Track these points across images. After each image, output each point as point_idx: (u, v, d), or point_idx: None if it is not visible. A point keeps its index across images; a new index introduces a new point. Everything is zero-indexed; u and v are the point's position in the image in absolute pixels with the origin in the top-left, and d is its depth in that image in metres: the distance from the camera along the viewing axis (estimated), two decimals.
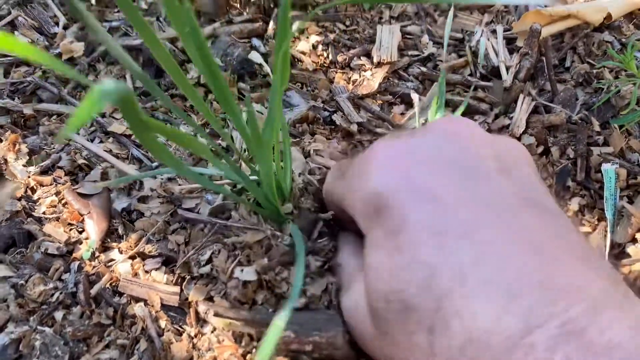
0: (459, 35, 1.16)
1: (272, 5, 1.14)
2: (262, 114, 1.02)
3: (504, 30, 1.16)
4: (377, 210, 0.53)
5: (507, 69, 1.10)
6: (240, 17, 1.14)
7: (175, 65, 0.63)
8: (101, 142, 0.99)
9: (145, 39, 0.58)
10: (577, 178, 1.00)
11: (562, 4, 1.19)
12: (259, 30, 1.12)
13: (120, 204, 0.92)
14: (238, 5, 1.16)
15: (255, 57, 1.06)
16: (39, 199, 0.91)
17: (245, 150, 0.99)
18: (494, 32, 1.15)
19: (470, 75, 1.11)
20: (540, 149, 1.03)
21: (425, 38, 1.15)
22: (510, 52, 1.13)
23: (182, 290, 0.82)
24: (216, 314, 0.77)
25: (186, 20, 0.58)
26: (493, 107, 1.07)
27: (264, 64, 1.05)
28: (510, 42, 1.15)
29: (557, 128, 1.03)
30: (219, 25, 1.12)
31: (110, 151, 0.97)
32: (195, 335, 0.78)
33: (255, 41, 1.10)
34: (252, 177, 0.86)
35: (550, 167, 1.02)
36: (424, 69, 1.10)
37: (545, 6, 1.17)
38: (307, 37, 1.12)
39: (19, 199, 0.90)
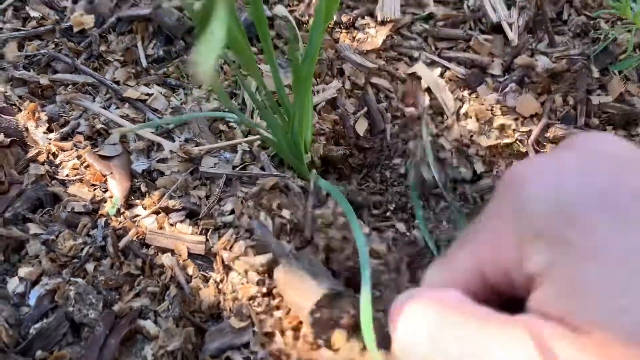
0: None
1: None
2: (268, 72, 1.04)
3: None
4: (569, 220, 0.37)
5: (510, 25, 1.13)
6: None
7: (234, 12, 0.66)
8: (117, 108, 1.02)
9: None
10: (577, 124, 1.03)
11: None
12: None
13: (140, 165, 0.95)
14: None
15: (280, 10, 1.09)
16: (61, 162, 0.94)
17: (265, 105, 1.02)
18: None
19: (471, 29, 1.14)
20: (545, 96, 1.06)
21: None
22: (508, 7, 1.16)
23: (207, 239, 0.85)
24: (237, 258, 0.80)
25: None
26: (495, 60, 1.10)
27: (288, 15, 1.08)
28: None
29: (559, 76, 1.06)
30: None
31: (127, 116, 1.00)
32: (221, 281, 0.81)
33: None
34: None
35: (552, 115, 1.05)
36: (426, 26, 1.13)
37: None
38: (311, 0, 1.14)
39: (42, 164, 0.93)
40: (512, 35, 1.11)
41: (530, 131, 1.01)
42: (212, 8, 0.47)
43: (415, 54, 1.10)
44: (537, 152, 1.02)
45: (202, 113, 0.96)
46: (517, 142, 1.00)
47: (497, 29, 1.14)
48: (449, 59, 1.11)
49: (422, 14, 1.15)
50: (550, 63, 1.06)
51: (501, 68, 1.10)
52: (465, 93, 1.07)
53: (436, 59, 1.10)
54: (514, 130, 1.01)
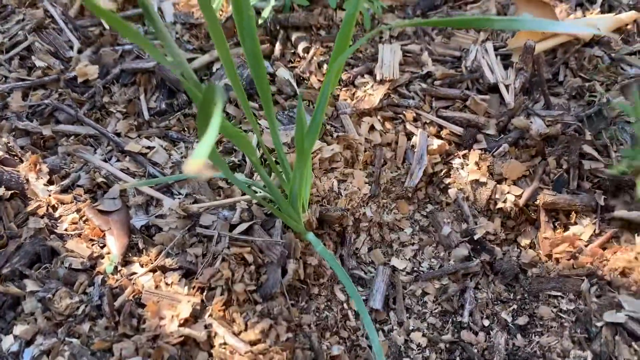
0: (457, 53, 1.22)
1: (277, 28, 1.19)
2: (267, 128, 1.06)
3: (499, 47, 1.22)
4: None
5: (507, 87, 1.15)
6: None
7: (226, 48, 0.69)
8: (118, 161, 1.03)
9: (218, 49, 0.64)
10: (570, 187, 1.05)
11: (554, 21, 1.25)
12: (266, 52, 1.17)
13: (139, 220, 0.96)
14: None
15: (283, 73, 1.12)
16: (61, 216, 0.95)
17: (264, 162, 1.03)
18: (488, 49, 1.20)
19: (468, 89, 1.16)
20: (538, 159, 1.09)
21: (425, 55, 1.20)
22: (505, 67, 1.19)
23: (202, 300, 0.86)
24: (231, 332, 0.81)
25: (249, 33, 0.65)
26: (490, 120, 1.12)
27: (291, 80, 1.11)
28: (505, 58, 1.21)
29: (553, 139, 1.08)
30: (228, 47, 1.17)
31: (127, 169, 1.02)
32: (215, 345, 0.82)
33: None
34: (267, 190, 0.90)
35: (546, 177, 1.07)
36: (424, 85, 1.15)
37: None
38: (313, 57, 1.17)
39: (42, 217, 0.94)
40: (508, 97, 1.13)
41: (520, 195, 1.03)
42: (211, 102, 0.49)
43: (411, 113, 1.12)
44: (527, 216, 1.04)
45: (200, 174, 0.97)
46: (507, 205, 1.02)
47: (493, 89, 1.16)
48: (446, 118, 1.13)
49: (421, 73, 1.17)
50: (545, 127, 1.08)
51: (496, 128, 1.12)
52: (460, 152, 1.09)
53: (433, 118, 1.12)
54: (501, 193, 1.02)
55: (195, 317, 0.84)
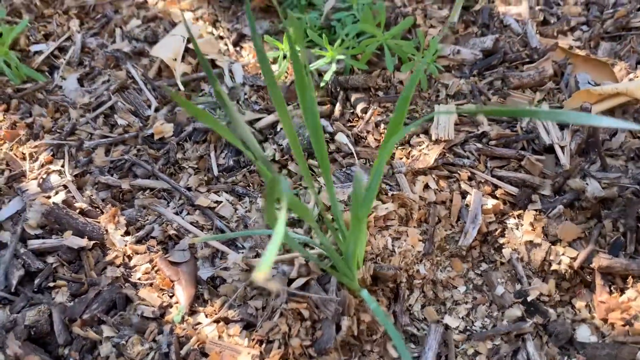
0: None
1: (338, 89, 1.26)
2: (322, 185, 1.12)
3: (555, 108, 1.24)
4: None
5: (562, 148, 1.17)
6: None
7: (285, 109, 0.76)
8: (188, 214, 1.12)
9: (279, 111, 0.71)
10: (627, 251, 1.05)
11: (612, 82, 1.26)
12: (327, 112, 1.24)
13: (205, 272, 1.03)
14: None
15: (341, 138, 1.18)
16: (135, 266, 1.03)
17: (321, 219, 1.09)
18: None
19: (523, 149, 1.19)
20: (594, 221, 1.09)
21: (481, 115, 1.24)
22: (561, 128, 1.20)
23: (261, 352, 0.91)
24: None
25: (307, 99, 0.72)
26: (545, 181, 1.13)
27: (350, 146, 1.17)
28: None
29: (610, 202, 1.08)
30: (291, 108, 1.24)
31: (196, 222, 1.10)
32: None
33: (323, 121, 1.22)
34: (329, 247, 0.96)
35: (602, 240, 1.07)
36: (479, 145, 1.19)
37: (594, 84, 1.24)
38: (370, 117, 1.23)
39: (118, 266, 1.03)
40: (563, 158, 1.14)
41: (575, 257, 1.04)
42: (274, 194, 0.55)
43: (466, 172, 1.15)
44: (582, 279, 1.04)
45: (263, 231, 1.04)
46: (562, 267, 1.03)
47: (549, 150, 1.18)
48: (501, 178, 1.15)
49: (476, 132, 1.21)
50: (600, 190, 1.08)
51: (552, 189, 1.13)
52: (515, 212, 1.11)
53: (488, 177, 1.15)
54: (556, 254, 1.03)
55: None
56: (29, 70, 1.27)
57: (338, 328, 0.95)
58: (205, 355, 0.91)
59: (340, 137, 1.16)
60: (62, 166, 1.16)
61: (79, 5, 1.47)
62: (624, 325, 0.99)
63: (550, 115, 0.54)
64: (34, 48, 1.36)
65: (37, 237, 1.04)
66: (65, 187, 1.12)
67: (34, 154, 1.17)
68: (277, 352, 0.90)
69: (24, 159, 1.17)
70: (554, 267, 1.06)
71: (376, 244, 1.04)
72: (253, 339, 0.92)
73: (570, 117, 0.53)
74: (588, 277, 1.05)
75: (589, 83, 1.26)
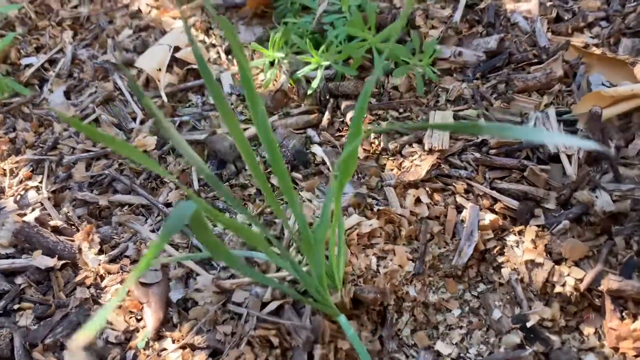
0: (517, 119, 1.15)
1: (327, 97, 1.19)
2: (310, 201, 1.05)
3: (563, 113, 1.13)
4: None
5: (569, 157, 1.06)
6: (297, 110, 1.20)
7: (248, 148, 0.69)
8: None
9: (228, 126, 0.66)
10: None
11: (630, 82, 1.14)
12: (314, 121, 1.17)
13: (176, 294, 0.97)
14: (296, 98, 1.22)
15: (317, 150, 1.11)
16: (106, 287, 0.99)
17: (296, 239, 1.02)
18: (550, 115, 1.12)
19: (527, 159, 1.08)
20: (604, 238, 0.98)
21: (482, 122, 1.14)
22: (571, 135, 1.09)
23: None
24: None
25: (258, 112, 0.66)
26: (550, 193, 1.03)
27: (325, 158, 1.10)
28: (570, 124, 1.12)
29: (622, 217, 0.98)
30: (276, 118, 1.18)
31: (172, 241, 1.04)
32: None
33: (310, 131, 1.15)
34: (304, 268, 0.89)
35: (613, 259, 0.96)
36: (478, 154, 1.09)
37: (609, 85, 1.13)
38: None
39: (89, 287, 0.98)
40: (570, 168, 1.04)
41: (582, 278, 0.93)
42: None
43: (462, 184, 1.06)
44: (591, 302, 0.93)
45: (239, 252, 0.98)
46: (567, 290, 0.92)
47: (555, 159, 1.07)
48: (501, 190, 1.06)
49: (475, 141, 1.12)
50: (611, 203, 0.97)
51: (557, 202, 1.03)
52: (515, 228, 1.01)
53: (486, 190, 1.06)
54: (560, 275, 0.93)
55: None
56: (14, 84, 1.25)
57: (311, 357, 0.88)
58: None
59: (317, 150, 1.09)
60: (41, 182, 1.13)
61: (73, 16, 1.45)
62: (636, 356, 0.89)
63: (495, 130, 0.46)
64: (24, 61, 1.34)
65: (7, 256, 1.01)
66: (41, 204, 1.09)
67: (14, 169, 1.15)
68: None
69: (4, 175, 1.14)
70: (558, 289, 0.95)
71: (358, 265, 0.97)
72: None
73: (518, 132, 0.45)
74: (597, 300, 0.95)
75: (602, 84, 1.15)
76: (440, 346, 0.97)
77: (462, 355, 0.97)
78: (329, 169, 1.10)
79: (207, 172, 0.71)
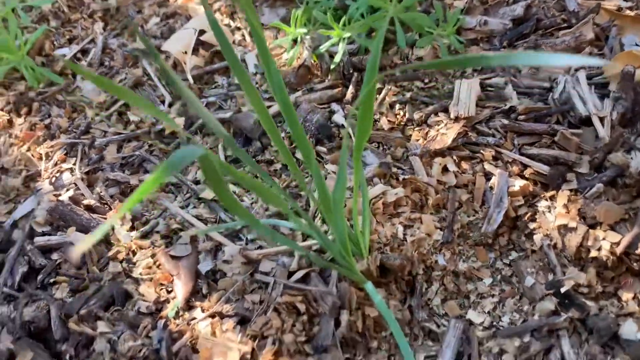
0: (546, 85, 1.12)
1: (351, 71, 1.19)
2: (335, 174, 1.05)
3: (594, 76, 1.09)
4: None
5: (601, 119, 1.03)
6: (320, 85, 1.20)
7: (272, 124, 0.70)
8: (194, 207, 1.08)
9: (252, 102, 0.66)
10: None
11: None
12: (338, 96, 1.17)
13: (205, 266, 0.99)
14: (319, 73, 1.22)
15: (338, 118, 1.11)
16: (137, 261, 1.01)
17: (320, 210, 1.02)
18: (580, 79, 1.08)
19: (557, 123, 1.05)
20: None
21: (509, 89, 1.12)
22: (602, 97, 1.06)
23: (254, 349, 0.85)
24: None
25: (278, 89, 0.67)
26: (582, 157, 1.00)
27: (345, 124, 1.10)
28: (602, 87, 1.08)
29: None
30: (300, 93, 1.18)
31: (201, 216, 1.06)
32: None
33: (335, 106, 1.15)
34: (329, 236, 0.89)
35: None
36: (506, 121, 1.07)
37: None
38: (385, 98, 1.14)
39: (121, 262, 1.01)
40: (603, 131, 1.01)
41: (618, 242, 0.90)
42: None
43: (490, 152, 1.04)
44: (628, 267, 0.90)
45: (264, 220, 0.99)
46: (602, 254, 0.89)
47: (586, 122, 1.04)
48: (530, 156, 1.03)
49: (503, 108, 1.09)
50: None
51: (590, 166, 1.00)
52: (547, 193, 0.99)
53: (515, 156, 1.03)
54: (595, 239, 0.90)
55: None
56: (49, 73, 1.29)
57: (338, 324, 0.88)
58: (197, 351, 0.87)
59: (338, 118, 1.09)
60: (74, 164, 1.16)
61: (103, 8, 1.49)
62: None
63: (500, 59, 0.45)
64: (58, 52, 1.39)
65: (43, 234, 1.04)
66: (75, 184, 1.12)
67: (49, 153, 1.19)
68: (270, 348, 0.84)
69: (40, 159, 1.18)
70: (593, 253, 0.92)
71: (384, 233, 0.96)
72: (247, 335, 0.87)
73: (520, 58, 0.44)
74: (635, 265, 0.91)
75: (636, 45, 1.11)
76: (472, 315, 0.95)
77: (494, 323, 0.95)
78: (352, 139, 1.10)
79: (234, 145, 0.71)
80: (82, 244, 0.39)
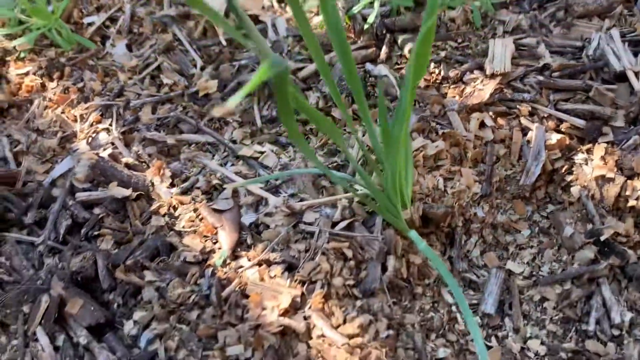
0: (578, 44, 1.13)
1: (384, 32, 1.20)
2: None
3: (627, 33, 1.11)
4: None
5: (636, 74, 1.04)
6: (354, 46, 1.21)
7: (322, 57, 0.70)
8: (232, 165, 1.09)
9: (303, 31, 0.66)
10: None
11: None
12: (372, 56, 1.18)
13: (248, 218, 1.00)
14: (352, 35, 1.23)
15: (379, 69, 1.12)
16: (180, 215, 1.02)
17: (365, 162, 1.03)
18: (614, 36, 1.10)
19: (591, 79, 1.07)
20: None
21: (542, 48, 1.13)
22: (635, 54, 1.07)
23: (303, 293, 0.87)
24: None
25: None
26: (618, 111, 1.01)
27: (389, 74, 1.11)
28: (635, 44, 1.10)
29: None
30: (333, 54, 1.19)
31: (240, 172, 1.07)
32: (313, 337, 0.82)
33: (369, 65, 1.16)
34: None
35: None
36: (540, 77, 1.08)
37: None
38: None
39: (163, 216, 1.02)
40: (638, 85, 1.02)
41: None
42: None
43: (527, 107, 1.05)
44: None
45: (302, 170, 1.00)
46: None
47: (621, 77, 1.06)
48: (566, 111, 1.05)
49: (537, 66, 1.10)
50: None
51: (625, 119, 1.01)
52: (583, 147, 1.00)
53: (551, 111, 1.05)
54: (633, 189, 0.92)
55: (295, 308, 0.85)
56: (80, 38, 1.30)
57: (384, 269, 0.89)
58: (246, 296, 0.88)
59: (379, 70, 1.10)
60: (110, 125, 1.17)
61: None
62: None
63: None
64: (86, 20, 1.39)
65: (84, 190, 1.05)
66: (112, 144, 1.13)
67: (84, 115, 1.19)
68: (319, 292, 0.86)
69: (75, 120, 1.19)
70: (631, 203, 0.94)
71: (425, 184, 0.97)
72: (295, 280, 0.88)
73: None
74: None
75: None
76: (511, 265, 0.97)
77: (534, 273, 0.96)
78: (390, 101, 1.11)
79: (298, 89, 0.72)
80: (234, 97, 0.39)
